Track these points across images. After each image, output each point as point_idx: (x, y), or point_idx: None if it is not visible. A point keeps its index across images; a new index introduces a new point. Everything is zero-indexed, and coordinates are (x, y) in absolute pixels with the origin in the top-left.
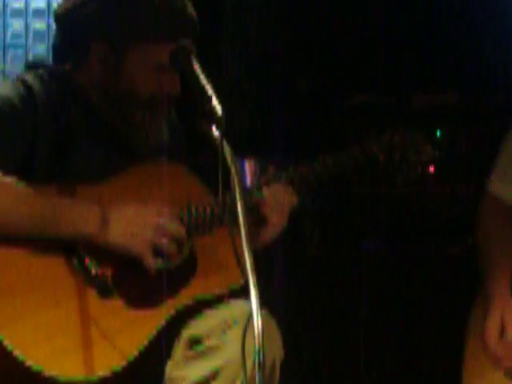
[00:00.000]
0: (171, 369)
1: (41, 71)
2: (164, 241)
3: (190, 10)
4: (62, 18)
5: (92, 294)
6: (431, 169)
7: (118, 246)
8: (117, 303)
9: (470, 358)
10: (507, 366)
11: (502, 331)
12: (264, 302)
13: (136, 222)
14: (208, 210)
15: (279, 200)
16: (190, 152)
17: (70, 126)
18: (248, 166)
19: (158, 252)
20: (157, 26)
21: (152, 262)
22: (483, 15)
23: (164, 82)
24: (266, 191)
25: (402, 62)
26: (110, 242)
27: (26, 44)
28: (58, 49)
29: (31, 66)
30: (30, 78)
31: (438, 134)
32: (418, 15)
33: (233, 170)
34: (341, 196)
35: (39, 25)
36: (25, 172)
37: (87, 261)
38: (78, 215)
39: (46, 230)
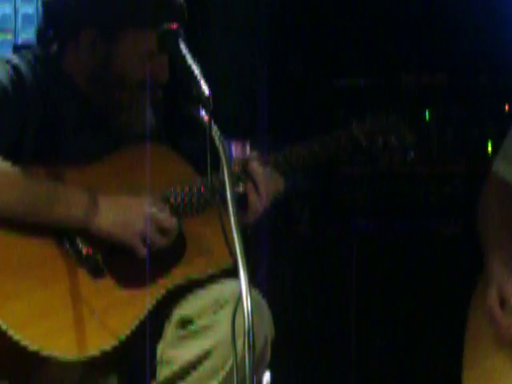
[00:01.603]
0: (163, 349)
1: (27, 53)
2: (153, 231)
3: None
4: (50, 5)
5: (83, 274)
6: (412, 153)
7: (108, 234)
8: (108, 283)
9: (472, 340)
10: None
11: (504, 304)
12: (254, 282)
13: (127, 211)
14: (195, 190)
15: (263, 181)
16: (178, 134)
17: (57, 108)
18: (235, 149)
19: (147, 240)
20: (146, 11)
21: (141, 250)
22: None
23: (152, 67)
24: (249, 173)
25: (390, 43)
26: (100, 230)
27: (15, 28)
28: (43, 32)
29: (17, 49)
30: (16, 59)
31: (427, 114)
32: None
33: (221, 151)
34: (329, 176)
35: (28, 9)
36: (13, 154)
37: (78, 241)
38: (71, 201)
39: (37, 215)
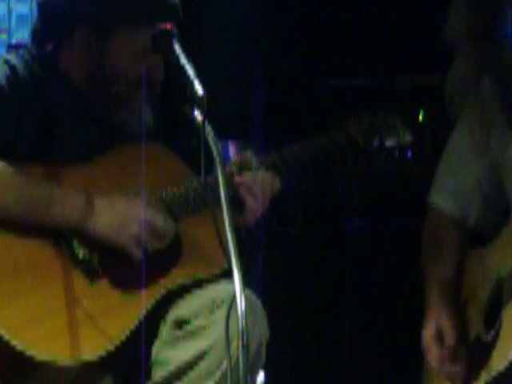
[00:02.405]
0: (158, 349)
1: (23, 52)
2: (149, 235)
3: None
4: (46, 4)
5: (79, 277)
6: (408, 152)
7: (103, 237)
8: (104, 286)
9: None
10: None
11: (441, 338)
12: (249, 283)
13: (123, 214)
14: (191, 190)
15: (259, 184)
16: (172, 134)
17: (53, 107)
18: (231, 149)
19: (143, 242)
20: (141, 9)
21: (136, 253)
22: None
23: (148, 65)
24: (245, 174)
25: (384, 43)
26: (96, 232)
27: (9, 28)
28: (39, 32)
29: (13, 47)
30: (12, 58)
31: (421, 115)
32: None
33: (215, 152)
34: (323, 175)
35: (22, 9)
36: (9, 153)
37: (74, 244)
38: (67, 204)
39: (33, 215)
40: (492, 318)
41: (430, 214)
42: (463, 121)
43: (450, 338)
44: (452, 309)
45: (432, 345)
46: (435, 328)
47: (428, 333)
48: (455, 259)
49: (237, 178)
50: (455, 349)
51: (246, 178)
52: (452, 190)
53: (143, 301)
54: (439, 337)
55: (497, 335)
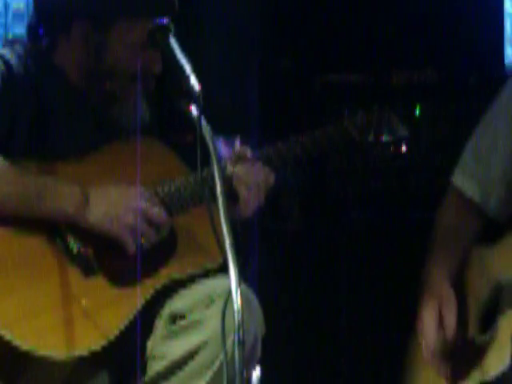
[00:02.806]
0: (153, 344)
1: (17, 47)
2: (143, 225)
3: None
4: None
5: (74, 273)
6: (404, 148)
7: (98, 228)
8: (99, 281)
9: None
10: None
11: (439, 323)
12: (244, 279)
13: (117, 204)
14: (187, 186)
15: (252, 176)
16: (168, 130)
17: (49, 102)
18: (225, 144)
19: (138, 236)
20: (138, 2)
21: (131, 245)
22: None
23: (146, 59)
24: (239, 167)
25: (380, 39)
26: (90, 223)
27: (6, 23)
28: (35, 27)
29: (8, 42)
30: (6, 53)
31: (417, 111)
32: None
33: (211, 148)
34: (320, 171)
35: (18, 4)
36: (4, 148)
37: (69, 239)
38: (60, 195)
39: (29, 209)
40: (488, 321)
41: (450, 194)
42: (498, 106)
43: (450, 328)
44: (455, 297)
45: (430, 331)
46: (436, 313)
47: (427, 316)
48: (466, 246)
49: (230, 169)
50: (453, 341)
51: (239, 169)
52: (476, 175)
53: (138, 295)
54: (438, 323)
55: (492, 339)
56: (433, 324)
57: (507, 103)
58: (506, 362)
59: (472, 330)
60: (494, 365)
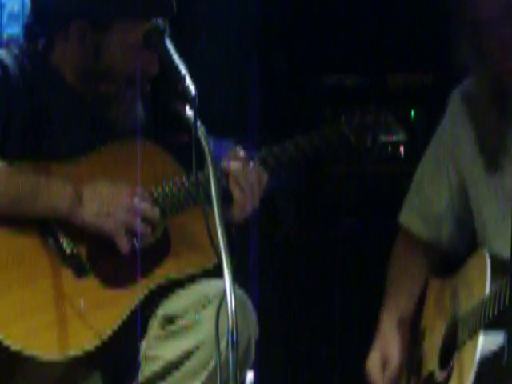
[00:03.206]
0: (146, 347)
1: (13, 48)
2: (137, 222)
3: None
4: None
5: (67, 273)
6: (401, 149)
7: (90, 225)
8: (91, 282)
9: None
10: None
11: (386, 364)
12: (239, 282)
13: (109, 201)
14: (181, 188)
15: (247, 178)
16: (164, 131)
17: (44, 102)
18: (220, 145)
19: (131, 232)
20: (136, 2)
21: (124, 242)
22: None
23: (142, 60)
24: (233, 167)
25: (377, 42)
26: (84, 221)
27: (1, 24)
28: (32, 27)
29: (3, 43)
30: (2, 54)
31: (413, 114)
32: None
33: (206, 150)
34: (315, 175)
35: (14, 4)
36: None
37: (62, 240)
38: (53, 194)
39: (21, 207)
40: (446, 358)
41: (399, 234)
42: (437, 135)
43: (393, 367)
44: (401, 337)
45: (375, 370)
46: (380, 354)
47: (373, 357)
48: (418, 286)
49: (224, 170)
50: (396, 379)
51: (234, 170)
52: (421, 211)
53: (130, 297)
54: (383, 363)
55: (449, 377)
56: (378, 365)
57: (447, 130)
58: None
59: (432, 366)
60: None
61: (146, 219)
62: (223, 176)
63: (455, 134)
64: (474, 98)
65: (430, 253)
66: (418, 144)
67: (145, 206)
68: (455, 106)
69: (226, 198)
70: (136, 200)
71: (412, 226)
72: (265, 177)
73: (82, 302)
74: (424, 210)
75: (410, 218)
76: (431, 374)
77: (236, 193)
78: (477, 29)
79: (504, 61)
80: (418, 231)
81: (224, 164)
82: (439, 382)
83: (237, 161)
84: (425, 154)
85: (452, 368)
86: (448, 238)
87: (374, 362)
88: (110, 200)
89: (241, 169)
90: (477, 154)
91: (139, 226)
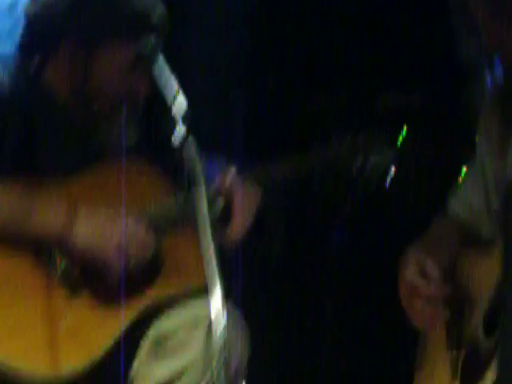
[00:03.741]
0: (137, 367)
1: (6, 66)
2: (130, 245)
3: (160, 7)
4: (31, 18)
5: (59, 291)
6: (393, 170)
7: (84, 247)
8: (84, 301)
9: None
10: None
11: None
12: (229, 301)
13: (104, 225)
14: (173, 207)
15: (242, 199)
16: (155, 149)
17: (36, 121)
18: (214, 165)
19: (124, 255)
20: (127, 22)
21: (117, 267)
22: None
23: (134, 79)
24: (230, 190)
25: (366, 62)
26: (78, 241)
27: None
28: (24, 45)
29: None
30: None
31: (403, 134)
32: (381, 16)
33: (197, 169)
34: (305, 192)
35: (6, 22)
36: None
37: (55, 258)
38: (47, 212)
39: (16, 226)
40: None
41: (443, 218)
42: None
43: (433, 271)
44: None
45: (418, 281)
46: (417, 267)
47: (410, 271)
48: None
49: (218, 191)
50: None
51: (228, 190)
52: (467, 203)
53: (122, 317)
54: (423, 273)
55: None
56: (418, 277)
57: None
58: None
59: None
60: None
61: (139, 245)
62: (218, 196)
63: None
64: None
65: (468, 239)
66: (408, 164)
67: (139, 232)
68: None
69: (221, 218)
70: (131, 226)
71: (461, 213)
72: (259, 197)
73: (74, 321)
74: (468, 206)
75: (456, 204)
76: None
77: (231, 213)
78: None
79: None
80: (463, 215)
81: (219, 184)
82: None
83: (231, 181)
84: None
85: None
86: (489, 232)
87: (413, 273)
88: (105, 222)
89: (236, 188)
90: None
91: (132, 250)
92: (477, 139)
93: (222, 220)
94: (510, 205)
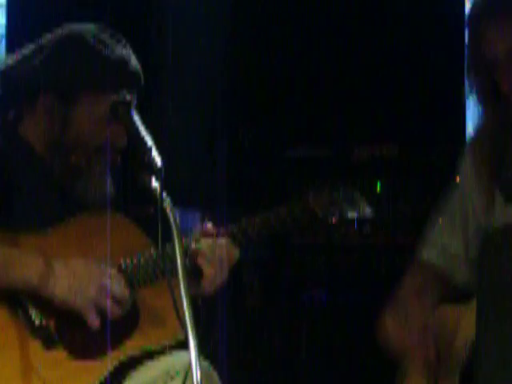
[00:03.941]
0: None
1: None
2: (107, 302)
3: (135, 61)
4: (7, 72)
5: (35, 345)
6: (367, 226)
7: (60, 299)
8: (60, 354)
9: None
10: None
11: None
12: (205, 354)
13: (81, 279)
14: (149, 260)
15: (217, 253)
16: (131, 203)
17: (14, 174)
18: (190, 217)
19: (100, 309)
20: (103, 76)
21: (94, 320)
22: (425, 68)
23: (110, 132)
24: (203, 243)
25: (342, 114)
26: (54, 294)
27: None
28: (1, 99)
29: None
30: None
31: (378, 186)
32: (358, 69)
33: (171, 222)
34: (282, 246)
35: None
36: None
37: (31, 311)
38: (24, 265)
39: None
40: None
41: (416, 268)
42: (453, 184)
43: (416, 319)
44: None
45: (397, 328)
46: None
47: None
48: (429, 304)
49: (194, 246)
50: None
51: (204, 246)
52: (442, 248)
53: (99, 370)
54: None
55: None
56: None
57: (459, 184)
58: None
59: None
60: None
61: (116, 299)
62: (192, 251)
63: (466, 184)
64: (485, 138)
65: (444, 286)
66: (384, 216)
67: (116, 287)
68: (464, 162)
69: (195, 273)
70: (108, 280)
71: (434, 259)
72: (236, 252)
73: (49, 374)
74: (445, 247)
75: (432, 252)
76: None
77: (207, 268)
78: (491, 65)
79: None
80: (440, 265)
81: (194, 239)
82: None
83: (206, 236)
84: (448, 194)
85: None
86: (463, 279)
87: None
88: (82, 277)
89: (211, 244)
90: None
91: (109, 303)
92: (454, 188)
93: (196, 275)
94: (485, 252)
